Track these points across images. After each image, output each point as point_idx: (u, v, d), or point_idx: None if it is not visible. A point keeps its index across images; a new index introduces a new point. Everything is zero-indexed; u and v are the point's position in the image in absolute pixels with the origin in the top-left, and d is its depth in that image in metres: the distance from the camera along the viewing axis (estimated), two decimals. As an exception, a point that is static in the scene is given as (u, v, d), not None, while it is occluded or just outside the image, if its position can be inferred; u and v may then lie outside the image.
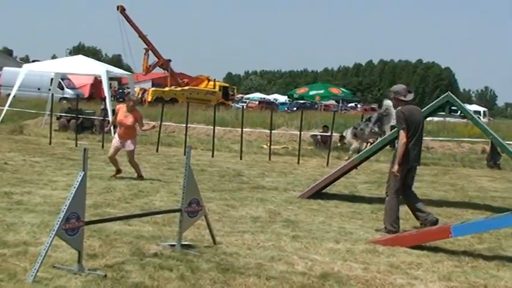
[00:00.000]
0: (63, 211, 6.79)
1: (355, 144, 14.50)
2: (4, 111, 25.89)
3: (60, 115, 26.05)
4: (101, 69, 27.68)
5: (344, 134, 14.58)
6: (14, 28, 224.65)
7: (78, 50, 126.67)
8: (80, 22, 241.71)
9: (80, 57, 29.75)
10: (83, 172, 6.99)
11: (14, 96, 27.07)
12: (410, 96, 10.57)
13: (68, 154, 18.48)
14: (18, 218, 9.57)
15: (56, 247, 7.52)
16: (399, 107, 10.44)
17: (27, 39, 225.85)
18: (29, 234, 8.59)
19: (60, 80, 38.05)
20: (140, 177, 14.56)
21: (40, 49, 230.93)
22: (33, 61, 67.73)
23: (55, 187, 12.64)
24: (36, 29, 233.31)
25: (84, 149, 7.12)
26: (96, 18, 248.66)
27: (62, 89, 45.63)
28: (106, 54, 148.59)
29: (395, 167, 10.14)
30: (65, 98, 42.93)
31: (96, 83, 52.12)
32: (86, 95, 50.52)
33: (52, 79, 33.31)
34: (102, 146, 20.62)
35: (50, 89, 34.25)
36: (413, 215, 10.88)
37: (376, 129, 13.88)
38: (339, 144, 14.82)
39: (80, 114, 24.83)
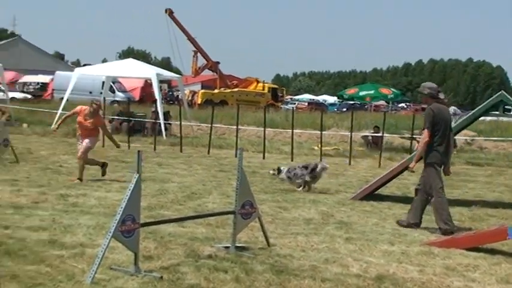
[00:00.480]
0: (119, 213, 6.87)
1: (286, 182, 14.78)
2: (58, 115, 26.29)
3: (112, 118, 26.35)
4: (151, 72, 27.99)
5: (281, 169, 14.81)
6: (65, 33, 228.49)
7: (128, 53, 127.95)
8: (129, 26, 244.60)
9: (131, 61, 30.13)
10: (138, 174, 7.04)
11: (67, 100, 27.53)
12: (441, 95, 10.66)
13: (121, 157, 18.68)
14: (74, 219, 9.72)
15: (113, 249, 7.60)
16: (429, 105, 10.49)
17: (78, 43, 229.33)
18: (85, 236, 8.71)
19: (111, 83, 38.54)
20: (79, 179, 13.65)
21: (91, 53, 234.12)
22: (85, 65, 68.65)
23: (109, 189, 12.80)
24: (86, 33, 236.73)
25: (139, 152, 7.18)
26: (145, 22, 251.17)
27: (113, 92, 46.13)
28: (155, 57, 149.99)
29: (412, 163, 10.63)
30: (116, 101, 43.38)
31: (146, 85, 52.62)
32: (137, 98, 51.00)
33: (103, 82, 33.80)
34: (154, 148, 20.81)
35: (101, 92, 34.74)
36: (409, 210, 10.84)
37: (308, 178, 14.16)
38: (270, 172, 15.08)
39: (132, 117, 25.09)
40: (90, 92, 44.53)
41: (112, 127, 25.59)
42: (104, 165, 14.41)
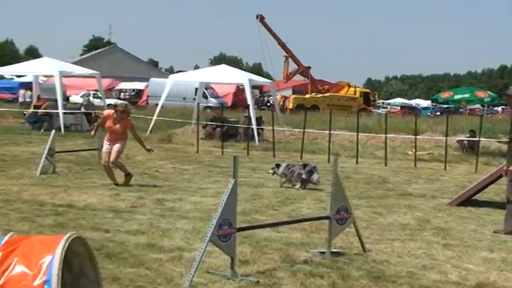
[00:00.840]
0: (215, 218, 6.95)
1: (283, 180, 14.54)
2: (153, 121, 26.89)
3: (206, 124, 26.70)
4: (243, 77, 28.23)
5: (281, 164, 14.62)
6: (158, 40, 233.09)
7: (220, 59, 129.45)
8: (221, 32, 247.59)
9: (223, 67, 30.46)
10: (234, 179, 7.11)
11: (162, 106, 28.11)
12: None
13: (215, 162, 18.90)
14: (171, 224, 9.89)
15: (209, 253, 7.69)
16: None
17: (171, 50, 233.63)
18: (182, 240, 8.85)
19: (204, 89, 39.09)
20: (116, 184, 13.61)
21: (183, 60, 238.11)
22: (178, 71, 69.94)
23: (204, 194, 12.97)
24: (179, 41, 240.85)
25: (234, 157, 7.25)
26: (237, 28, 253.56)
27: (206, 98, 46.78)
28: (246, 63, 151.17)
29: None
30: (209, 107, 43.99)
31: (238, 91, 53.18)
32: (229, 103, 51.56)
33: (196, 88, 34.31)
34: (247, 153, 20.96)
35: (194, 98, 35.27)
36: (505, 218, 10.49)
37: (304, 176, 13.91)
38: (269, 171, 14.90)
39: (225, 122, 25.36)
40: (184, 98, 45.32)
41: (205, 132, 25.95)
42: (128, 175, 13.96)
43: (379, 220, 11.01)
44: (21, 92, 39.65)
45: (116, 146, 13.79)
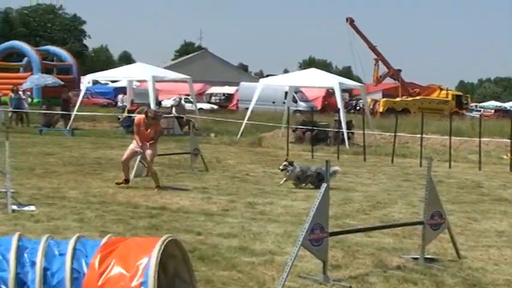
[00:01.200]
0: (307, 222, 6.94)
1: (292, 180, 14.13)
2: (243, 125, 27.10)
3: (296, 127, 26.71)
4: (333, 81, 28.10)
5: (295, 164, 14.15)
6: (248, 45, 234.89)
7: (309, 63, 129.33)
8: (310, 36, 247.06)
9: (313, 71, 30.41)
10: (325, 184, 7.09)
11: (252, 110, 28.31)
12: None
13: (305, 165, 18.85)
14: (262, 227, 9.94)
15: (301, 257, 7.68)
16: None
17: (260, 54, 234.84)
18: (274, 244, 8.88)
19: (293, 93, 39.14)
20: (158, 187, 13.59)
21: (272, 64, 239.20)
22: (267, 76, 70.29)
23: (295, 198, 12.98)
24: (268, 45, 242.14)
25: (326, 161, 7.23)
26: (326, 31, 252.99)
27: (296, 102, 46.80)
28: (336, 67, 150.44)
29: None
30: (299, 111, 43.97)
31: (328, 95, 53.01)
32: (319, 107, 51.45)
33: (286, 92, 34.39)
34: (338, 157, 20.85)
35: (284, 102, 35.36)
36: None
37: (317, 184, 13.70)
38: (280, 167, 14.51)
39: (315, 126, 25.30)
40: (273, 102, 45.50)
41: (295, 136, 25.96)
42: (127, 181, 13.83)
43: (473, 226, 10.76)
44: (120, 96, 40.70)
45: (148, 153, 13.82)
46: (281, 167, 14.54)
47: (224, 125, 30.45)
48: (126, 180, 13.81)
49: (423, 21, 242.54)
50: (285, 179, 14.45)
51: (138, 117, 14.64)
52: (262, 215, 10.99)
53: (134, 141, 14.05)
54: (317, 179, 14.00)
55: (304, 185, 14.22)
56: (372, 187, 14.93)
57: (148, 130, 13.85)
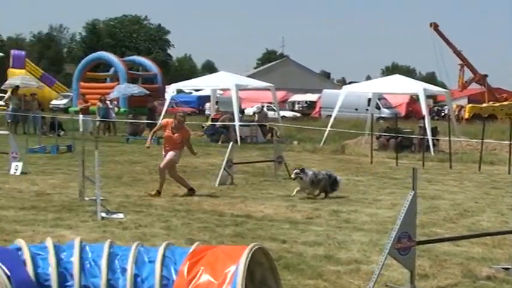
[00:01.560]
0: (394, 230, 6.86)
1: (309, 190, 13.44)
2: (326, 132, 27.00)
3: (380, 134, 26.44)
4: (418, 87, 27.73)
5: (306, 170, 13.54)
6: (330, 52, 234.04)
7: (392, 69, 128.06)
8: (393, 42, 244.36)
9: (397, 77, 30.08)
10: (413, 191, 6.99)
11: (335, 118, 28.21)
12: None
13: (390, 173, 18.66)
14: (347, 236, 9.88)
15: (387, 266, 7.59)
16: None
17: (342, 61, 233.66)
18: (359, 252, 8.82)
19: (377, 100, 38.82)
20: (191, 190, 13.62)
21: (355, 70, 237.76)
22: (350, 82, 69.98)
23: (380, 206, 12.84)
24: (351, 52, 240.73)
25: (414, 169, 7.14)
26: (409, 37, 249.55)
27: (379, 108, 46.39)
28: (419, 72, 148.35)
29: None
30: (382, 118, 43.58)
31: (412, 101, 52.31)
32: (403, 113, 50.82)
33: (369, 99, 34.13)
34: (423, 165, 20.52)
35: (367, 109, 35.10)
36: None
37: (329, 189, 13.10)
38: (292, 176, 13.91)
39: (399, 133, 24.99)
40: (356, 109, 45.19)
41: (379, 143, 25.70)
42: (191, 190, 13.72)
43: None
44: (207, 105, 41.30)
45: (170, 154, 13.58)
46: (293, 176, 13.95)
47: (307, 132, 30.42)
48: (159, 192, 13.47)
49: (510, 24, 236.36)
50: (297, 189, 13.84)
51: (165, 120, 14.66)
52: (347, 223, 10.93)
53: (164, 151, 13.91)
54: (329, 181, 13.76)
55: (317, 192, 13.81)
56: (458, 195, 14.64)
57: (176, 134, 13.66)
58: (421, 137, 24.18)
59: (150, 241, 8.92)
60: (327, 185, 13.78)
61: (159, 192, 13.43)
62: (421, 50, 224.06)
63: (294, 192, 13.78)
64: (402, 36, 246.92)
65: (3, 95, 42.30)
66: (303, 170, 13.76)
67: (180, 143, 13.73)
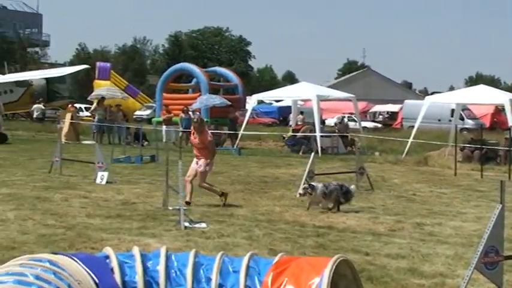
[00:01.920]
0: (481, 244, 6.70)
1: (323, 203, 12.67)
2: (409, 143, 26.65)
3: (464, 146, 25.92)
4: (503, 98, 27.09)
5: (315, 185, 12.76)
6: (412, 62, 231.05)
7: (476, 79, 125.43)
8: (476, 52, 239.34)
9: (481, 87, 29.46)
10: (501, 205, 6.83)
11: (418, 128, 27.81)
12: None
13: (474, 185, 18.26)
14: (431, 249, 9.72)
15: (473, 280, 7.43)
16: None
17: (425, 71, 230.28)
18: (444, 266, 8.66)
19: (460, 110, 38.10)
20: (223, 194, 13.45)
21: (438, 81, 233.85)
22: (432, 93, 68.90)
23: (464, 219, 12.58)
24: (434, 61, 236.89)
25: (501, 182, 6.97)
26: (492, 46, 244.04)
27: (462, 119, 45.51)
28: (504, 82, 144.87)
29: None
30: (466, 129, 42.73)
31: (497, 111, 51.12)
32: (487, 124, 49.72)
33: (452, 110, 33.51)
34: (509, 177, 19.99)
35: (450, 120, 34.46)
36: None
37: (342, 200, 12.40)
38: (300, 192, 13.16)
39: (484, 144, 24.44)
40: (439, 120, 44.47)
41: (463, 155, 25.18)
42: (223, 195, 13.56)
43: None
44: (291, 116, 41.49)
45: (201, 167, 13.29)
46: (301, 191, 13.65)
47: (389, 143, 30.09)
48: (187, 203, 12.95)
49: None
50: (308, 202, 13.43)
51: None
52: (431, 236, 10.74)
53: (195, 158, 13.58)
54: (341, 192, 13.36)
55: (331, 205, 13.36)
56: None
57: (197, 138, 13.39)
58: (507, 148, 23.55)
59: (232, 251, 8.98)
60: (339, 196, 13.36)
61: (223, 194, 13.51)
62: (505, 59, 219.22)
63: (307, 205, 13.38)
64: (485, 45, 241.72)
65: (89, 105, 43.43)
66: (310, 185, 13.40)
67: (203, 149, 13.38)
